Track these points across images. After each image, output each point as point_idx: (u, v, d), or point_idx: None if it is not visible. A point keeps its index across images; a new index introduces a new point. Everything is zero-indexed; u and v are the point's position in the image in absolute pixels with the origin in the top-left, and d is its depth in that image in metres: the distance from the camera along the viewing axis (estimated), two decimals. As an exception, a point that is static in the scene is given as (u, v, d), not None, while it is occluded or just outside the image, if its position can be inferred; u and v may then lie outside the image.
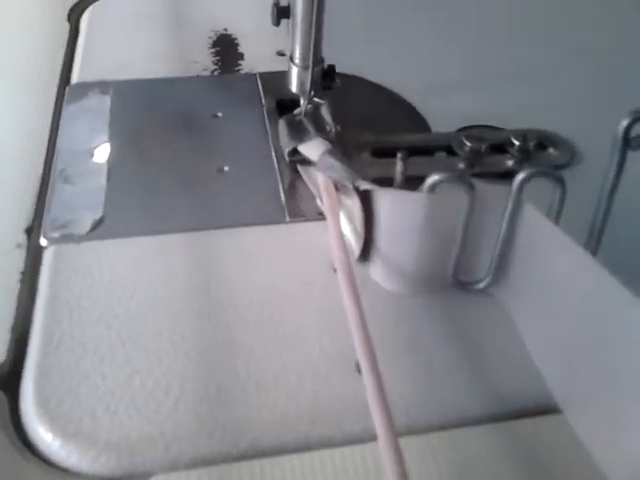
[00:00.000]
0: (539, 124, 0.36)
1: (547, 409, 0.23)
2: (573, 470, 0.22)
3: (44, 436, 0.23)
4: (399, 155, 0.25)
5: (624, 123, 0.22)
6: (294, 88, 0.33)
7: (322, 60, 0.33)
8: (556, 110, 0.38)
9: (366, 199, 0.27)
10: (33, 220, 0.31)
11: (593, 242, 0.25)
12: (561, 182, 0.24)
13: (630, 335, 0.20)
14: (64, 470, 0.22)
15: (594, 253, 0.25)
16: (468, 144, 0.34)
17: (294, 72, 0.32)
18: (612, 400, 0.21)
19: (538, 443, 0.23)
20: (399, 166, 0.26)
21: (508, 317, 0.26)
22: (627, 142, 0.22)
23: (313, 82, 0.32)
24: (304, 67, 0.32)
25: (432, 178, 0.24)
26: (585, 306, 0.22)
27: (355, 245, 0.28)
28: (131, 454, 0.22)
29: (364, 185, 0.27)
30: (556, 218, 0.24)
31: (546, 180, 0.24)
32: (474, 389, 0.24)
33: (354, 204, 0.28)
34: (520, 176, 0.24)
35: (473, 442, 0.23)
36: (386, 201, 0.26)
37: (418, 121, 0.37)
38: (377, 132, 0.36)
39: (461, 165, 0.34)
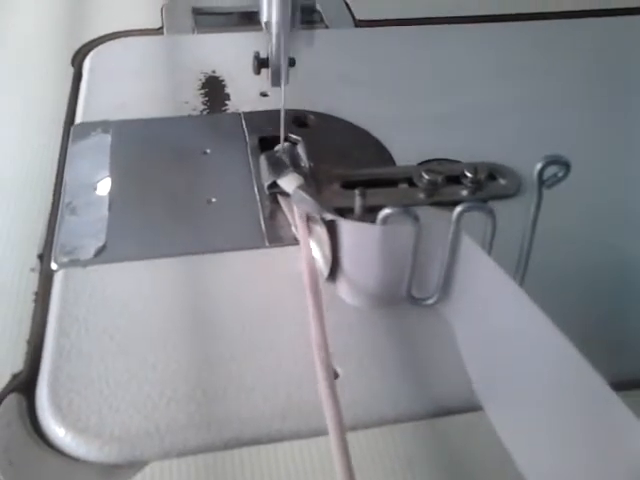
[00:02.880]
0: (493, 157, 0.40)
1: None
2: (502, 459, 0.26)
3: (57, 431, 0.26)
4: (357, 192, 0.30)
5: (538, 166, 0.26)
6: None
7: None
8: (507, 144, 0.42)
9: (332, 228, 0.32)
10: (44, 247, 0.34)
11: (522, 264, 0.29)
12: (491, 215, 0.28)
13: (541, 349, 0.24)
14: (74, 459, 0.26)
15: (523, 273, 0.29)
16: (426, 177, 0.38)
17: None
18: (523, 402, 0.25)
19: (477, 435, 0.27)
20: (358, 200, 0.30)
21: (450, 329, 0.30)
22: (542, 182, 0.27)
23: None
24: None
25: (384, 212, 0.28)
26: (507, 322, 0.26)
27: (324, 267, 0.32)
28: (131, 445, 0.26)
29: (329, 216, 0.31)
30: (489, 244, 0.29)
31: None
32: (422, 388, 0.28)
33: (322, 232, 0.32)
34: (458, 209, 0.28)
35: (421, 434, 0.27)
36: (347, 230, 0.30)
37: (384, 155, 0.41)
38: (347, 166, 0.40)
39: (420, 195, 0.38)
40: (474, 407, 0.27)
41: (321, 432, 0.26)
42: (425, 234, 0.29)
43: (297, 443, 0.26)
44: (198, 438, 0.26)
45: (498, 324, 0.26)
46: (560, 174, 0.26)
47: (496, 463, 0.26)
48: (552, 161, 0.26)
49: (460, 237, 0.28)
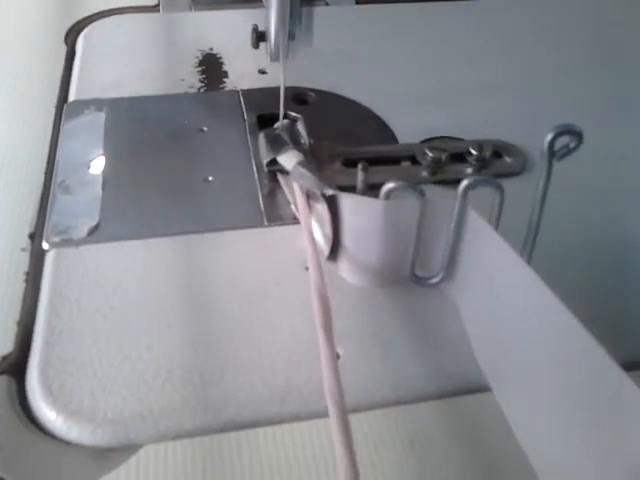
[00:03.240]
0: (497, 135, 0.39)
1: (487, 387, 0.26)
2: (504, 441, 0.25)
3: (48, 414, 0.25)
4: (359, 166, 0.29)
5: (549, 137, 0.25)
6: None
7: None
8: (513, 122, 0.41)
9: (333, 204, 0.30)
10: (36, 226, 0.33)
11: (530, 240, 0.28)
12: (500, 189, 0.27)
13: (549, 328, 0.23)
14: (66, 442, 0.25)
15: (531, 250, 0.28)
16: (430, 154, 0.37)
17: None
18: (531, 381, 0.24)
19: (479, 416, 0.26)
20: (360, 175, 0.29)
21: (455, 308, 0.29)
22: (552, 154, 0.25)
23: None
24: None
25: (387, 186, 0.27)
26: (514, 299, 0.25)
27: (325, 246, 0.31)
28: (124, 428, 0.25)
29: (330, 191, 0.30)
30: (497, 220, 0.28)
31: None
32: (424, 369, 0.27)
33: (323, 209, 0.31)
34: (463, 184, 0.27)
35: (423, 415, 0.26)
36: (349, 206, 0.29)
37: (386, 133, 0.40)
38: (349, 143, 0.39)
39: (424, 173, 0.37)
40: (477, 388, 0.27)
41: (321, 414, 0.26)
42: (430, 210, 0.28)
43: (297, 425, 0.26)
44: (194, 421, 0.25)
45: (505, 301, 0.25)
46: (572, 145, 0.25)
47: (500, 445, 0.25)
48: (564, 131, 0.25)
49: (466, 213, 0.27)
